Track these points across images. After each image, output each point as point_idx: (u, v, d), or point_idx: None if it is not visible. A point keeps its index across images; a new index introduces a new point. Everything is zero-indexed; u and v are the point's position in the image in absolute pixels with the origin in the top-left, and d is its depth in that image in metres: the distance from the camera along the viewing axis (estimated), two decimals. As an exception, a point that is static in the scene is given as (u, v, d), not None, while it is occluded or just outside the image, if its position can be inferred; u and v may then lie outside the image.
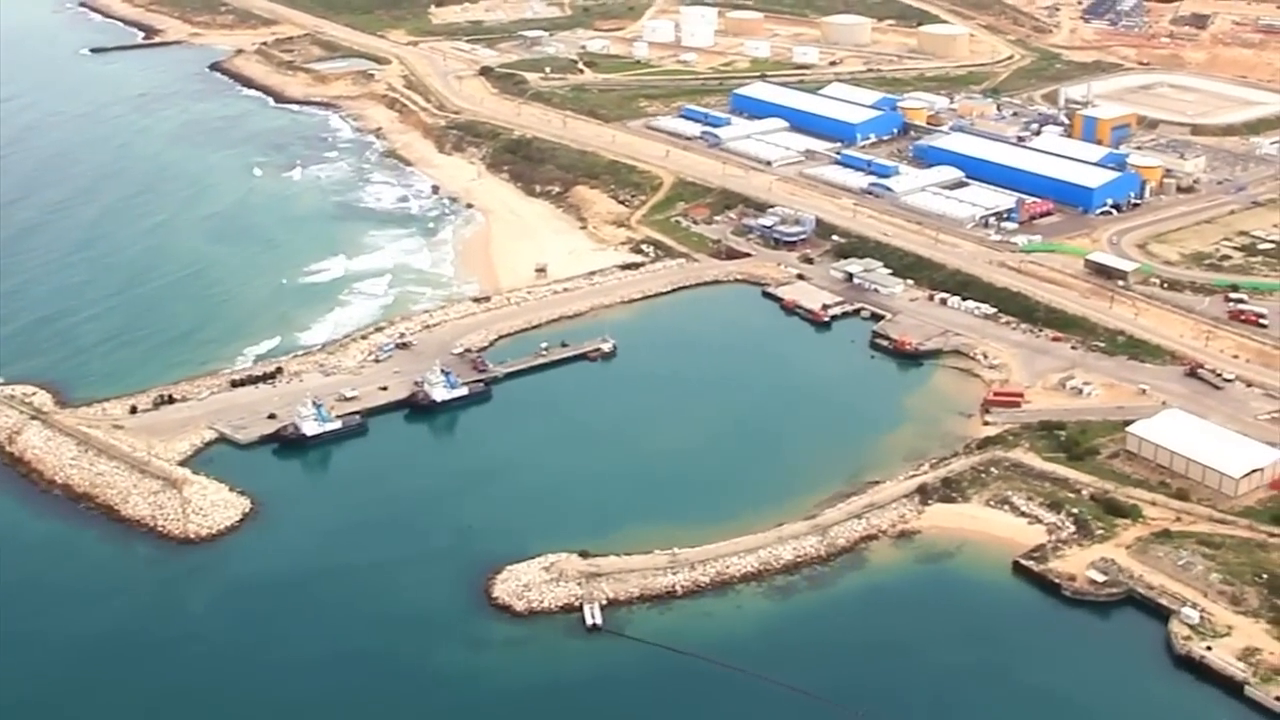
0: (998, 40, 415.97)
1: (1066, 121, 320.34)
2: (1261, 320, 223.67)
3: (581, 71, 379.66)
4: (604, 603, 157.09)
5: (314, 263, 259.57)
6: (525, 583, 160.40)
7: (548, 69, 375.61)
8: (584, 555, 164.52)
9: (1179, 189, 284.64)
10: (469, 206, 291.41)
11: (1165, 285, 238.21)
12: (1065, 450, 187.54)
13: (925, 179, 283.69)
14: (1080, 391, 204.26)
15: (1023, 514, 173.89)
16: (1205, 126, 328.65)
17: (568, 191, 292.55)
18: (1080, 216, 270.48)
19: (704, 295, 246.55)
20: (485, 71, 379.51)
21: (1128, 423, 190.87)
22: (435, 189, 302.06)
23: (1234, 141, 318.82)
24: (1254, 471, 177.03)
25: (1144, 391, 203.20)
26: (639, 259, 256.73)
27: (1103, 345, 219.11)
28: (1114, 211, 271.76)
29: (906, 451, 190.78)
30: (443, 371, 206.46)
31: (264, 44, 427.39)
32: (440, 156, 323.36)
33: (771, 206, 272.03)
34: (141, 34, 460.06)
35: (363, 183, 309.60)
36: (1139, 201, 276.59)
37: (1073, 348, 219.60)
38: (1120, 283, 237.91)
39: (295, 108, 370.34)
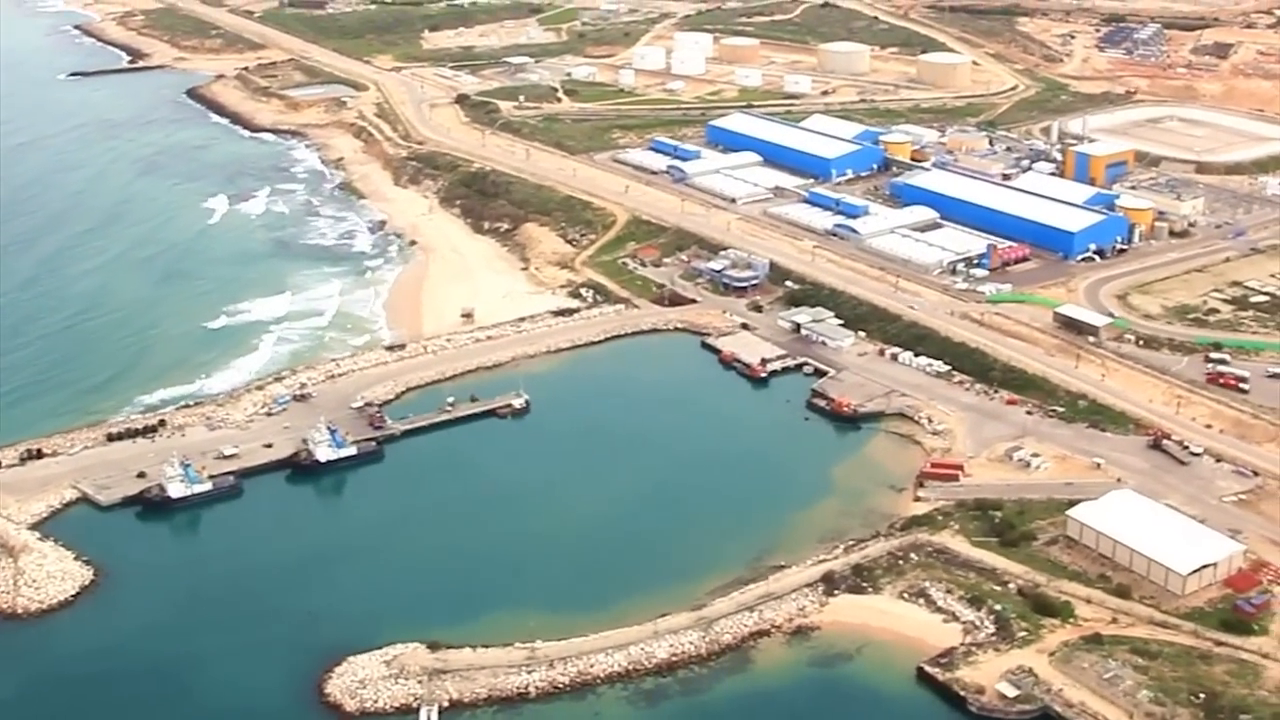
0: (1004, 69, 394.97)
1: (1059, 158, 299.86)
2: (1242, 385, 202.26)
3: (559, 100, 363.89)
4: (445, 705, 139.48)
5: (239, 304, 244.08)
6: (362, 678, 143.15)
7: (521, 97, 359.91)
8: (432, 647, 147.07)
9: (1172, 233, 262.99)
10: (412, 243, 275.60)
11: (1140, 342, 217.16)
12: (998, 534, 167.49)
13: (896, 220, 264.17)
14: (1028, 464, 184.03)
15: (938, 609, 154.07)
16: (1210, 164, 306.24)
17: (516, 229, 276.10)
18: (1060, 263, 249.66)
19: (638, 345, 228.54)
20: (461, 99, 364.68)
21: (1074, 503, 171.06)
22: (382, 224, 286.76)
23: (1240, 181, 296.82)
24: (1205, 567, 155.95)
25: (1099, 466, 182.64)
26: (575, 304, 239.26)
27: (1061, 410, 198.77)
28: (1097, 258, 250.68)
29: (823, 531, 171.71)
30: (329, 429, 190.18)
31: (245, 69, 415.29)
32: (395, 189, 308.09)
33: (725, 248, 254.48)
34: (127, 58, 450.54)
35: (312, 216, 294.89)
36: (1125, 247, 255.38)
37: (1028, 412, 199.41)
38: (1090, 339, 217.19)
39: (262, 136, 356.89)
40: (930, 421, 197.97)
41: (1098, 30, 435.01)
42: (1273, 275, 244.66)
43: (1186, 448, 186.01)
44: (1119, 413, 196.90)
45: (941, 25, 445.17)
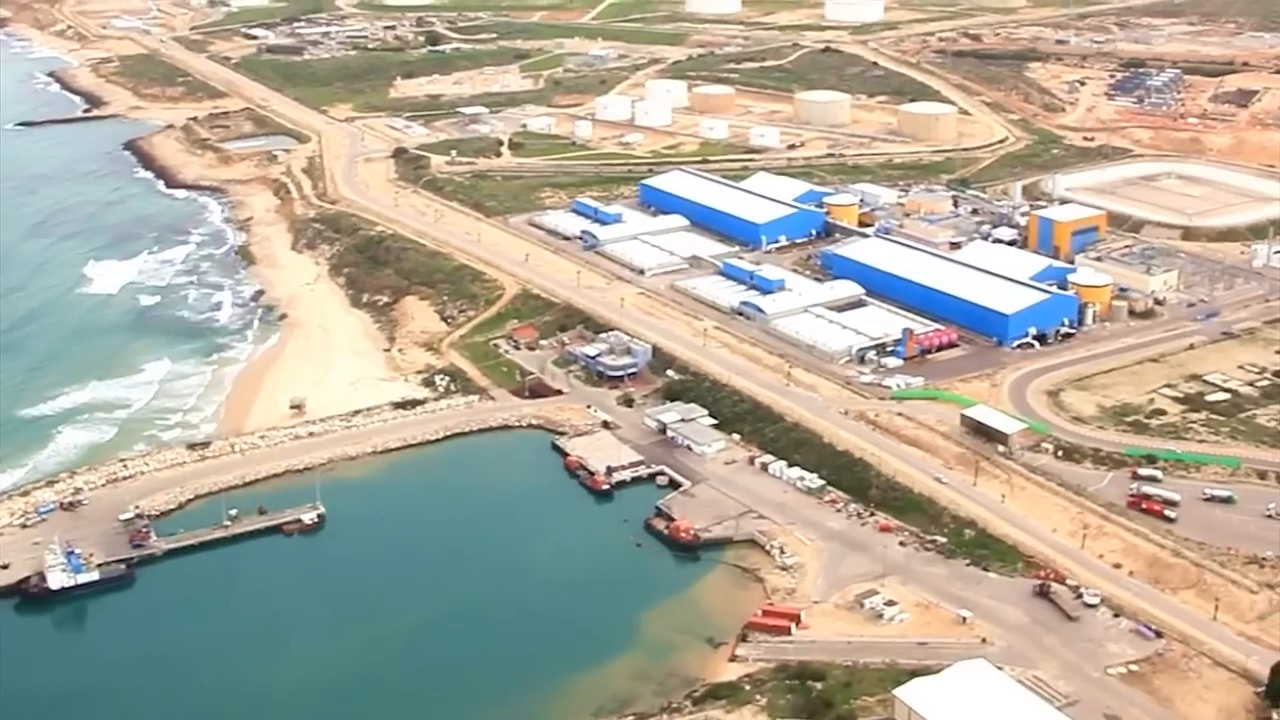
0: (997, 120, 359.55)
1: (1022, 222, 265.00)
2: (1168, 512, 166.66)
3: (498, 155, 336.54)
4: None
5: (62, 387, 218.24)
6: None
7: (454, 152, 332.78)
8: None
9: (1132, 313, 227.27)
10: (282, 318, 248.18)
11: (1059, 453, 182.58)
12: (811, 715, 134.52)
13: (814, 297, 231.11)
14: (880, 615, 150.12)
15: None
16: (1199, 229, 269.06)
17: (396, 302, 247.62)
18: (992, 350, 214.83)
19: (480, 445, 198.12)
20: (398, 153, 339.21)
21: (919, 672, 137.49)
22: (258, 295, 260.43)
23: (1230, 248, 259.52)
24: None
25: (965, 621, 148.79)
26: (424, 394, 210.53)
27: (943, 541, 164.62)
28: (1036, 344, 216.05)
29: (603, 699, 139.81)
30: (66, 550, 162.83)
31: (194, 119, 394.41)
32: (289, 254, 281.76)
33: (612, 329, 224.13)
34: (84, 107, 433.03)
35: (189, 285, 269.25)
36: (1073, 331, 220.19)
37: (901, 543, 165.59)
38: (1000, 448, 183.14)
39: (181, 192, 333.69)
40: (782, 552, 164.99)
41: (1112, 77, 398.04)
42: (1241, 366, 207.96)
43: (1080, 596, 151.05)
44: (1010, 547, 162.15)
45: (944, 72, 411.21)
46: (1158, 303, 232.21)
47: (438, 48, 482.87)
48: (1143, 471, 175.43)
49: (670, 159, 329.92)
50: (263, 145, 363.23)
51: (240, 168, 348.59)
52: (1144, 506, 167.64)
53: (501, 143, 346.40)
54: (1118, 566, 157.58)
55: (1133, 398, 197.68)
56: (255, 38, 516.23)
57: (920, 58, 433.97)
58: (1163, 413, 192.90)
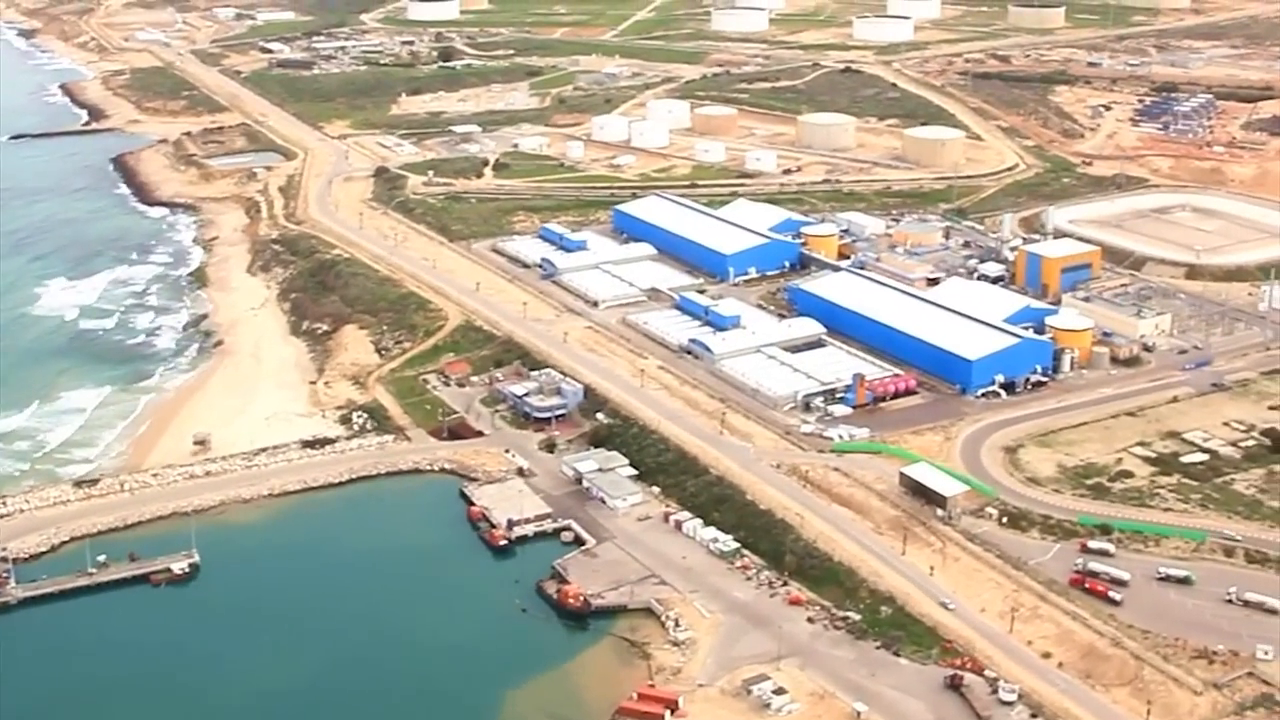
0: (1011, 146, 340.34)
1: (1010, 257, 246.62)
2: (1113, 593, 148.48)
3: (480, 176, 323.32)
4: None
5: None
6: None
7: (431, 173, 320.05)
8: None
9: (1115, 360, 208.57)
10: (218, 344, 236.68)
11: (1004, 520, 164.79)
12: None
13: (770, 335, 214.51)
14: (768, 705, 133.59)
15: None
16: (1205, 267, 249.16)
17: (336, 331, 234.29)
18: (954, 399, 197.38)
19: (383, 490, 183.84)
20: (379, 173, 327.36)
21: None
22: (202, 319, 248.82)
23: (1238, 289, 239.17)
24: None
25: (859, 716, 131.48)
26: (338, 433, 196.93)
27: (857, 619, 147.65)
28: (1003, 393, 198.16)
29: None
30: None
31: (188, 134, 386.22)
32: (243, 277, 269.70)
33: (548, 367, 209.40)
34: (85, 120, 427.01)
35: (136, 307, 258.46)
36: (1045, 379, 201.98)
37: (810, 619, 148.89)
38: (939, 512, 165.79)
39: (154, 210, 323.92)
40: (677, 625, 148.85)
41: (1141, 102, 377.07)
42: (1227, 423, 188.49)
43: (995, 691, 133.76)
44: (929, 628, 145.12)
45: (964, 95, 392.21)
46: (1146, 349, 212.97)
47: (449, 64, 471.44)
48: (1093, 544, 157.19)
49: (659, 183, 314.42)
50: (247, 162, 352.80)
51: (219, 185, 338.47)
52: (1087, 586, 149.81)
53: (487, 163, 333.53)
54: (1047, 656, 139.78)
55: (1099, 457, 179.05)
56: (271, 52, 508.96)
57: (944, 80, 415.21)
58: (1129, 475, 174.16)
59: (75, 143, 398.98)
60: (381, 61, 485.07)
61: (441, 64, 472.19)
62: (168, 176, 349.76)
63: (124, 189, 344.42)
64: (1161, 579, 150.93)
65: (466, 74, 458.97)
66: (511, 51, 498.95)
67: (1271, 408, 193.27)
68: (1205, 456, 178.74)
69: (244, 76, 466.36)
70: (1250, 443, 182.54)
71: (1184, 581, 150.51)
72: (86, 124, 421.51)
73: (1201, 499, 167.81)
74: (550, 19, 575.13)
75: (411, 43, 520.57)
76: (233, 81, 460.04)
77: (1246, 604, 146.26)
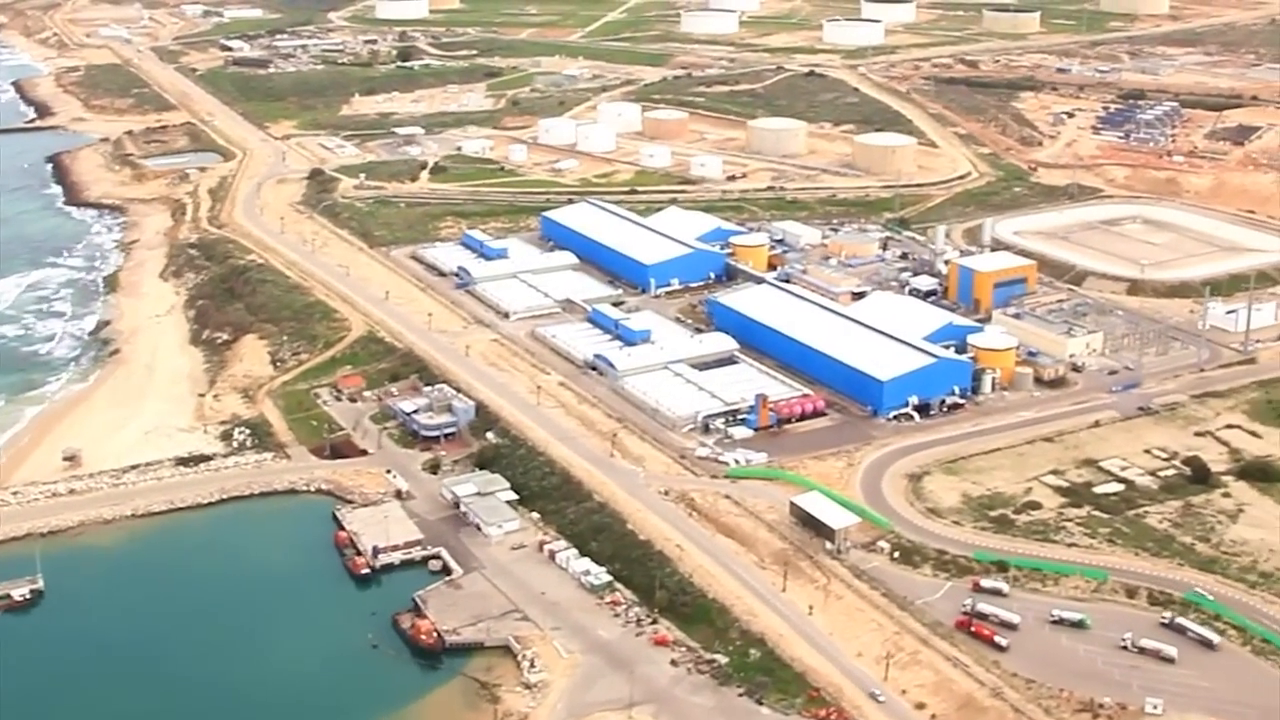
0: (966, 153, 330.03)
1: (944, 270, 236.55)
2: (999, 638, 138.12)
3: (415, 179, 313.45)
4: None
5: None
6: None
7: (362, 175, 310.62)
8: None
9: (1039, 381, 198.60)
10: (114, 353, 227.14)
11: (896, 554, 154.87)
12: None
13: (680, 351, 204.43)
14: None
15: None
16: (1148, 282, 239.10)
17: (236, 341, 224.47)
18: (865, 421, 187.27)
19: (255, 512, 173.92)
20: (314, 175, 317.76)
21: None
22: (101, 327, 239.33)
23: (1181, 305, 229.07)
24: None
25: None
26: (217, 449, 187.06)
27: (723, 662, 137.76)
28: (915, 416, 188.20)
29: None
30: None
31: (129, 133, 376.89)
32: (155, 282, 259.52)
33: (445, 382, 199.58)
34: (30, 117, 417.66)
35: (40, 313, 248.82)
36: (963, 401, 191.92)
37: (674, 661, 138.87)
38: (828, 545, 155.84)
39: (79, 211, 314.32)
40: (532, 665, 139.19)
41: (1105, 109, 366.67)
42: (1149, 450, 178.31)
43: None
44: (798, 674, 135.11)
45: (926, 100, 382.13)
46: (1075, 369, 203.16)
47: (407, 64, 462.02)
48: (986, 583, 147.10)
49: (599, 189, 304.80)
50: (183, 163, 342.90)
51: (151, 186, 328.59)
52: (973, 629, 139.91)
53: (425, 166, 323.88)
54: (920, 707, 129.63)
55: (1008, 486, 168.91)
56: (230, 50, 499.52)
57: (909, 85, 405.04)
58: (1036, 506, 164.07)
59: (16, 140, 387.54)
60: (340, 61, 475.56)
61: (399, 64, 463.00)
62: (100, 177, 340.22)
63: (55, 189, 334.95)
64: (1055, 622, 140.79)
65: (424, 74, 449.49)
66: (475, 52, 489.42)
67: (1199, 434, 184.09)
68: (1120, 487, 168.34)
69: (199, 74, 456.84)
70: (1170, 472, 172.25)
71: (1078, 625, 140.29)
72: (30, 121, 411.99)
73: (1110, 533, 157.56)
74: (520, 19, 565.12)
75: (375, 42, 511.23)
76: (187, 79, 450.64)
77: (1142, 651, 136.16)
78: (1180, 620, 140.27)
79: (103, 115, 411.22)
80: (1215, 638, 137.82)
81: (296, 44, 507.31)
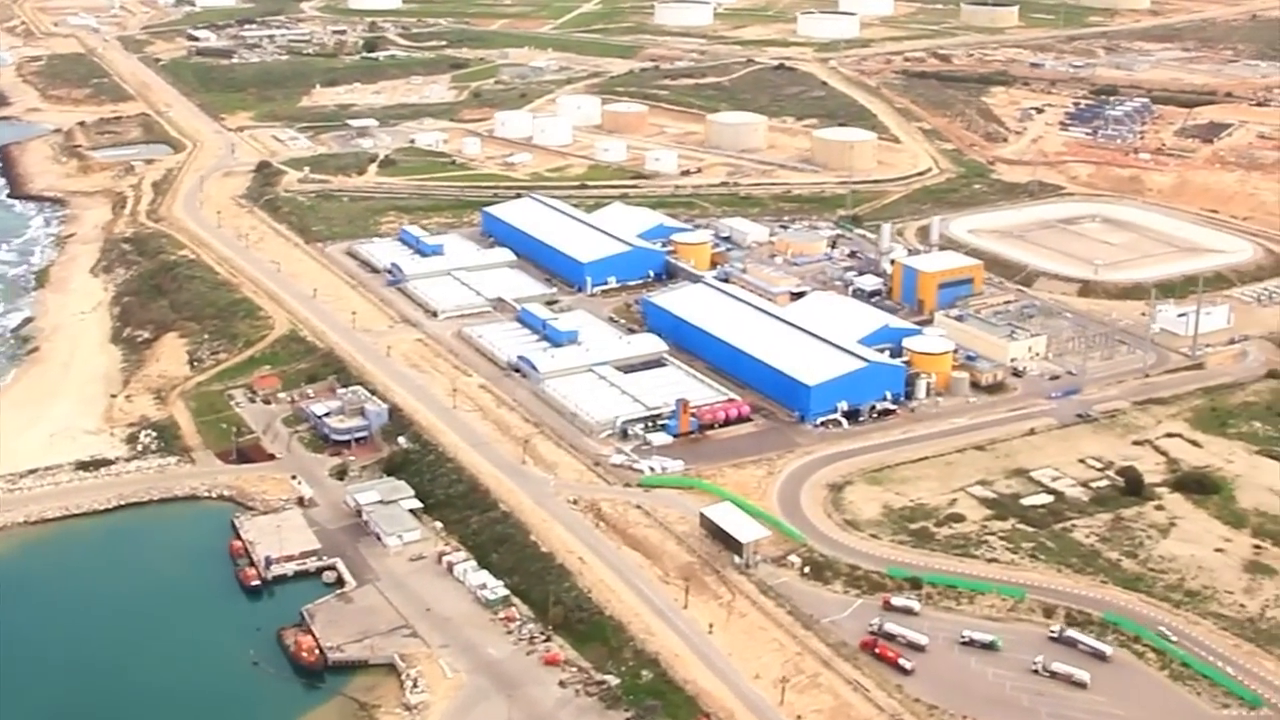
0: (929, 149, 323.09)
1: (889, 270, 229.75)
2: (904, 661, 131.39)
3: (361, 173, 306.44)
4: None
5: None
6: None
7: (306, 169, 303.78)
8: None
9: (976, 386, 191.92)
10: (33, 352, 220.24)
11: (807, 569, 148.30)
12: None
13: (606, 353, 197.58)
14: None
15: None
16: (1100, 284, 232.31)
17: (157, 339, 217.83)
18: (791, 427, 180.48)
19: (152, 519, 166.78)
20: (261, 167, 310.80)
21: None
22: (24, 323, 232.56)
23: (1134, 307, 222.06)
24: None
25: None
26: (121, 453, 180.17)
27: (614, 683, 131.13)
28: (844, 422, 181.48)
29: None
30: None
31: (81, 123, 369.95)
32: (85, 278, 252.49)
33: (362, 384, 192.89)
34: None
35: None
36: (894, 407, 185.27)
37: (562, 683, 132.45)
38: (736, 559, 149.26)
39: (20, 204, 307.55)
40: (415, 686, 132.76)
41: (1076, 105, 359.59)
42: (1083, 460, 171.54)
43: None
44: (690, 697, 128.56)
45: (894, 95, 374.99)
46: (1016, 373, 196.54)
47: (372, 55, 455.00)
48: (897, 601, 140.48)
49: (549, 183, 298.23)
50: (131, 155, 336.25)
51: (97, 178, 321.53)
52: (878, 650, 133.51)
53: (374, 159, 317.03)
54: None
55: (932, 497, 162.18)
56: (196, 39, 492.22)
57: (879, 79, 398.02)
58: (960, 519, 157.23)
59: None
60: (305, 51, 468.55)
61: (364, 55, 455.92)
62: (46, 169, 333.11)
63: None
64: (965, 643, 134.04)
65: (388, 65, 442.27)
66: (444, 43, 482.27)
67: (1137, 443, 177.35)
68: (1049, 499, 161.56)
69: (161, 64, 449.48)
70: (1103, 483, 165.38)
71: (989, 647, 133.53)
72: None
73: (1034, 548, 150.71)
74: (493, 10, 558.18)
75: (344, 32, 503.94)
76: (149, 69, 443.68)
77: (1054, 675, 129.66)
78: (1070, 633, 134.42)
79: (59, 106, 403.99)
80: (1108, 649, 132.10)
81: (264, 34, 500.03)
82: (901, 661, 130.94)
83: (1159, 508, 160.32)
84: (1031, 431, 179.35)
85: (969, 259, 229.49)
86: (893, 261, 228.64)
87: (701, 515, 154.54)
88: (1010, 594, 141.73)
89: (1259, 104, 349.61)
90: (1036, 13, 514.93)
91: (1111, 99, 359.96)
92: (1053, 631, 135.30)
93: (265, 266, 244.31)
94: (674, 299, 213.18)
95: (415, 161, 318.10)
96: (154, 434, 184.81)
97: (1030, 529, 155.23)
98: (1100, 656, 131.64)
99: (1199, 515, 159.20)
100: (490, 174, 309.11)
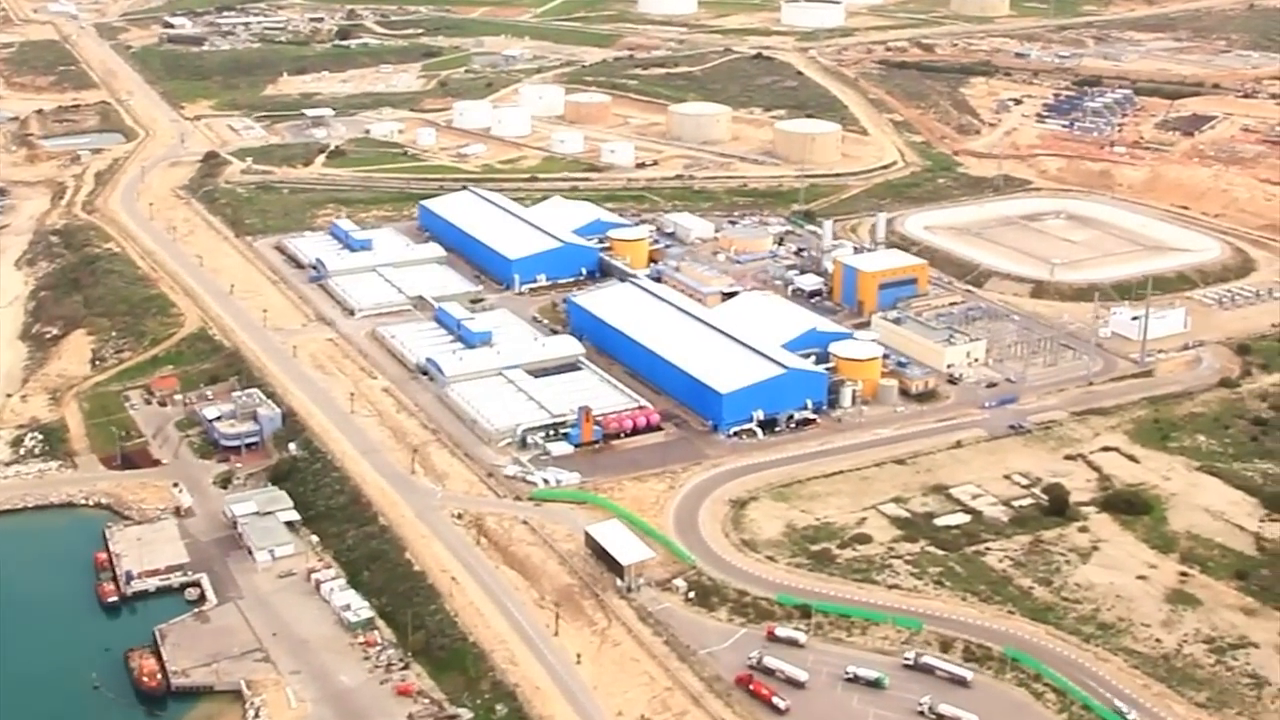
0: (897, 141, 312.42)
1: (830, 269, 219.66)
2: (779, 699, 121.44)
3: (308, 164, 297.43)
4: None
5: None
6: None
7: (249, 160, 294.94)
8: None
9: (905, 394, 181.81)
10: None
11: (692, 594, 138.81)
12: None
13: (519, 356, 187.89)
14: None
15: None
16: (1055, 285, 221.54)
17: (65, 336, 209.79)
18: (702, 437, 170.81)
19: (22, 527, 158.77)
20: (208, 157, 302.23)
21: None
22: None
23: (1086, 310, 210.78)
24: None
25: None
26: (1, 457, 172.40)
27: (469, 716, 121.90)
28: (758, 432, 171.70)
29: None
30: None
31: (39, 112, 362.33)
32: (8, 271, 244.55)
33: (263, 386, 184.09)
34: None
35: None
36: (814, 416, 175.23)
37: (410, 716, 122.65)
38: (619, 582, 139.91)
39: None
40: (257, 715, 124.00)
41: (1056, 96, 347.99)
42: (1009, 476, 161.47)
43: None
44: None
45: (870, 85, 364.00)
46: (952, 380, 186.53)
47: (344, 42, 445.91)
48: (781, 631, 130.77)
49: (500, 175, 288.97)
50: (82, 143, 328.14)
51: (43, 168, 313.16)
52: (752, 687, 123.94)
53: (323, 150, 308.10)
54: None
55: (841, 515, 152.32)
56: (171, 26, 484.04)
57: (857, 69, 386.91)
58: (866, 540, 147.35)
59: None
60: (278, 39, 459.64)
61: (336, 43, 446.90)
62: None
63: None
64: (849, 680, 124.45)
65: (359, 53, 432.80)
66: (421, 31, 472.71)
67: (1069, 457, 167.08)
68: (965, 519, 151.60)
69: (132, 52, 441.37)
70: (1026, 501, 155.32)
71: (875, 684, 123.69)
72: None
73: (940, 573, 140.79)
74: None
75: (321, 20, 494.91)
76: (118, 57, 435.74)
77: (940, 718, 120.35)
78: (926, 659, 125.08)
79: (21, 93, 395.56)
80: (968, 674, 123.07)
81: (239, 21, 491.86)
82: (775, 700, 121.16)
83: (1083, 529, 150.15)
84: (958, 444, 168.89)
85: (913, 258, 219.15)
86: (834, 260, 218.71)
87: (586, 534, 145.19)
88: (907, 625, 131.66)
89: (1245, 95, 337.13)
90: (1029, 2, 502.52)
91: (1092, 90, 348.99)
92: (906, 659, 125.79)
93: (188, 261, 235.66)
94: (597, 299, 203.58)
95: (366, 152, 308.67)
96: (40, 437, 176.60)
97: (940, 552, 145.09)
98: (961, 683, 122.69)
99: (1125, 538, 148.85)
100: (441, 166, 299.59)
